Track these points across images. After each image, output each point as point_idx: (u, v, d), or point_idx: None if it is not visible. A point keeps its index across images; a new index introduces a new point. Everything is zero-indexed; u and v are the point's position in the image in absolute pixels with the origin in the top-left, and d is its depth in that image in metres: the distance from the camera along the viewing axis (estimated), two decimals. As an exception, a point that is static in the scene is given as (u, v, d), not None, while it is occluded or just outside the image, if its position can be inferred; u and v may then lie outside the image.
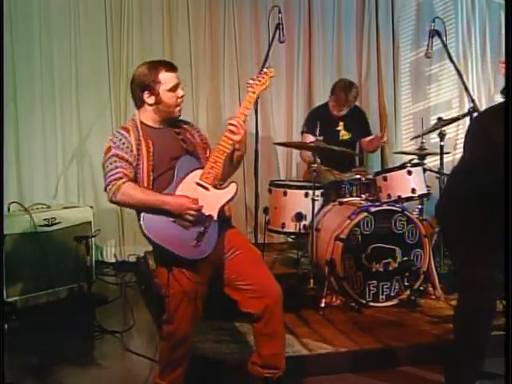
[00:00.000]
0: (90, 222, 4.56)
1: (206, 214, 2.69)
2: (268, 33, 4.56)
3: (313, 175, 4.20)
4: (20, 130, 5.19)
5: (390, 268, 4.09)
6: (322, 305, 3.96)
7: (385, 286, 4.09)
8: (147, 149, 2.72)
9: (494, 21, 6.01)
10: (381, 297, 4.09)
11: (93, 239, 4.57)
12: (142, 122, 2.78)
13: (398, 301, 4.10)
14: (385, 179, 4.34)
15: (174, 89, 2.77)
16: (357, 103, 5.29)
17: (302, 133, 5.03)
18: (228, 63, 5.65)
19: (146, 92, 2.75)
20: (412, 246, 4.13)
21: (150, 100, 2.76)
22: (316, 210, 4.25)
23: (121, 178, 2.66)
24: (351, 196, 4.44)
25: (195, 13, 5.55)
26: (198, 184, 2.71)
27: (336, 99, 4.94)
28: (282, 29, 4.20)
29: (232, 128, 2.72)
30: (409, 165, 4.35)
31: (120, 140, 2.72)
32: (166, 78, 2.75)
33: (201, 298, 2.77)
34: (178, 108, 2.81)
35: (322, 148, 4.32)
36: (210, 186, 2.72)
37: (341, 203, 4.37)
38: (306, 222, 4.39)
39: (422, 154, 4.55)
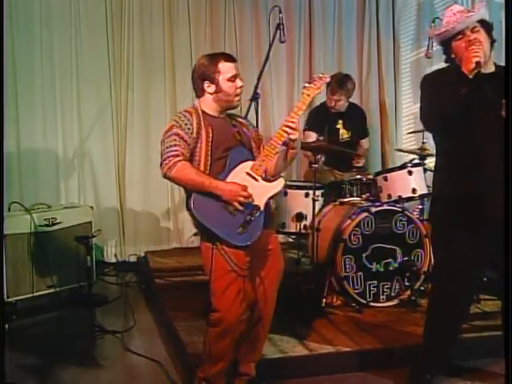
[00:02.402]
0: (90, 222, 4.57)
1: (254, 203, 2.76)
2: (268, 33, 4.57)
3: (313, 175, 4.20)
4: (21, 130, 5.19)
5: (391, 268, 4.09)
6: (323, 304, 3.97)
7: (385, 286, 4.09)
8: (207, 134, 2.80)
9: (494, 21, 5.98)
10: (381, 297, 4.09)
11: (93, 239, 4.57)
12: (202, 111, 2.87)
13: (398, 301, 4.10)
14: (385, 179, 4.35)
15: (232, 78, 2.85)
16: (356, 102, 5.29)
17: (304, 130, 5.01)
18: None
19: (207, 81, 2.85)
20: (412, 246, 4.13)
21: (210, 89, 2.85)
22: (316, 210, 4.24)
23: (178, 156, 2.74)
24: (352, 196, 4.44)
25: (196, 12, 5.55)
26: (248, 174, 2.79)
27: (331, 90, 4.87)
28: (283, 29, 4.20)
29: (290, 124, 2.78)
30: (409, 165, 4.36)
31: (183, 121, 2.81)
32: (225, 68, 2.84)
33: (248, 284, 2.83)
34: (237, 98, 2.90)
35: (324, 149, 4.31)
36: (259, 178, 2.80)
37: (341, 203, 4.38)
38: (307, 222, 4.40)
39: (422, 154, 4.55)
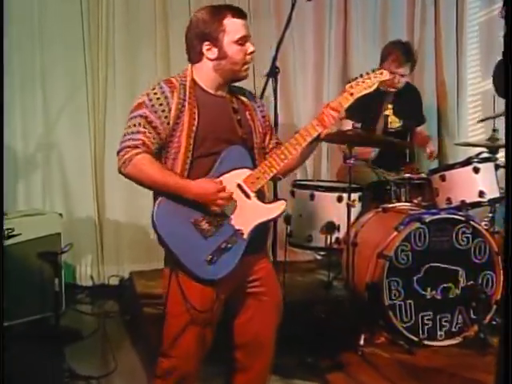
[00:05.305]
0: (58, 234, 4.59)
1: (236, 227, 2.69)
2: (291, -12, 4.54)
3: (349, 174, 4.19)
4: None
5: (451, 295, 4.08)
6: (361, 342, 3.95)
7: (444, 319, 4.07)
8: (190, 120, 2.69)
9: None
10: (439, 333, 4.07)
11: (62, 256, 4.57)
12: (194, 81, 2.77)
13: (461, 339, 4.08)
14: (443, 179, 4.34)
15: (241, 41, 2.74)
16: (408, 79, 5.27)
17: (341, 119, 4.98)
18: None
19: (207, 43, 2.73)
20: (480, 266, 4.11)
21: (211, 54, 2.73)
22: (353, 219, 4.24)
23: (136, 147, 2.66)
24: (399, 201, 4.45)
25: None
26: (239, 186, 2.71)
27: (395, 60, 4.86)
28: (310, -18, 4.19)
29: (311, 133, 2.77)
30: (475, 160, 4.34)
31: (158, 98, 2.70)
32: (232, 26, 2.72)
33: (209, 327, 2.76)
34: (245, 66, 2.78)
35: (361, 139, 4.29)
36: (252, 195, 2.72)
37: (385, 210, 4.38)
38: (340, 235, 4.40)
39: (493, 146, 4.51)
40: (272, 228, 4.12)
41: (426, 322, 4.04)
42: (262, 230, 2.81)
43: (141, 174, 2.66)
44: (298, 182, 4.77)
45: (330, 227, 4.40)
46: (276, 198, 2.84)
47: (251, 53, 2.78)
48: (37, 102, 5.38)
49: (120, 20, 5.42)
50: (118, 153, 2.70)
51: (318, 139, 2.82)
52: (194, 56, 2.78)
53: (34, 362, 4.05)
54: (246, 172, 2.73)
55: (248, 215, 2.71)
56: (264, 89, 4.11)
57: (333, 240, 4.41)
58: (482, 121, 5.39)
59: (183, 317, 2.70)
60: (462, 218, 4.10)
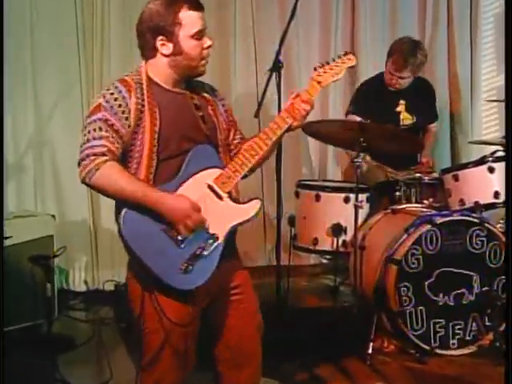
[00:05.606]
0: (51, 237, 4.58)
1: (211, 231, 2.65)
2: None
3: (356, 173, 4.18)
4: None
5: (465, 301, 4.08)
6: (370, 351, 3.95)
7: (457, 327, 4.07)
8: (151, 120, 2.64)
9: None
10: (451, 341, 4.06)
11: (55, 260, 4.57)
12: (150, 79, 2.72)
13: (476, 348, 4.08)
14: (456, 179, 4.34)
15: (198, 35, 2.69)
16: (421, 74, 5.26)
17: (347, 114, 5.00)
18: (241, 17, 5.63)
19: (161, 38, 2.68)
20: (495, 271, 4.10)
21: (166, 49, 2.69)
22: (360, 221, 4.25)
23: (103, 155, 2.57)
24: (409, 202, 4.45)
25: None
26: (210, 188, 2.67)
27: (394, 63, 4.90)
28: (315, -29, 4.20)
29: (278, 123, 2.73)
30: (490, 159, 4.33)
31: (115, 99, 2.63)
32: (188, 19, 2.67)
33: (191, 340, 2.73)
34: (202, 62, 2.74)
35: (370, 132, 4.27)
36: (225, 196, 2.68)
37: (394, 211, 4.39)
38: (347, 237, 4.42)
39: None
40: (276, 231, 4.17)
41: (438, 329, 4.04)
42: (234, 233, 2.75)
43: (109, 184, 2.58)
44: (303, 182, 4.78)
45: (337, 229, 4.41)
46: (250, 199, 2.74)
47: (208, 47, 2.72)
48: (28, 99, 5.37)
49: (116, 15, 5.43)
50: (81, 162, 2.59)
51: (288, 131, 2.78)
52: (148, 52, 2.73)
53: (25, 370, 4.04)
54: (216, 172, 2.69)
55: (222, 217, 2.66)
56: (267, 84, 4.11)
57: (339, 243, 4.43)
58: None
59: (161, 332, 2.66)
60: (476, 220, 4.10)
